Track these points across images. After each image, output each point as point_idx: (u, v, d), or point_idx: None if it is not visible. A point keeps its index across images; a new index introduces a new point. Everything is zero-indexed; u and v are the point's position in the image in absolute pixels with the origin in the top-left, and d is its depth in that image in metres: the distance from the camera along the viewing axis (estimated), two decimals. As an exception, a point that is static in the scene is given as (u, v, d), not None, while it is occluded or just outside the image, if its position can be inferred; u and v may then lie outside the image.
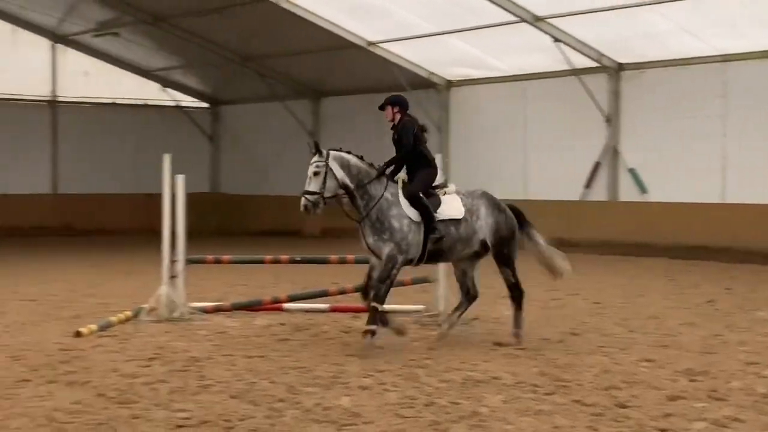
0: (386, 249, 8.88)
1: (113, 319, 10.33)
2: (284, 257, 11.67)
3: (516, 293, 9.44)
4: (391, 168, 9.33)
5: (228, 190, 28.44)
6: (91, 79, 26.70)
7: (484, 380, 7.51)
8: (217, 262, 11.75)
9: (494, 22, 19.30)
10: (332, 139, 25.70)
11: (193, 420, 6.28)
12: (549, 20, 18.98)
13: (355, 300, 11.80)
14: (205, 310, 11.09)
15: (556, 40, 19.36)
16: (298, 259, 11.74)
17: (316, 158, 8.98)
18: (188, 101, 28.38)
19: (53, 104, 26.33)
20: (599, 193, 20.63)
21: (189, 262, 11.04)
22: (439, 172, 9.53)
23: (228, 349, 8.92)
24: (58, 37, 25.82)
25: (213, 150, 28.93)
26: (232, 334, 9.84)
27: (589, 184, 20.73)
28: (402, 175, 9.33)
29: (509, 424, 6.20)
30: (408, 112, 9.46)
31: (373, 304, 8.80)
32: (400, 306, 11.03)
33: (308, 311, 11.26)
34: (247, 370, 7.90)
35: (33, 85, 25.84)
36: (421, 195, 9.05)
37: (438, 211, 9.07)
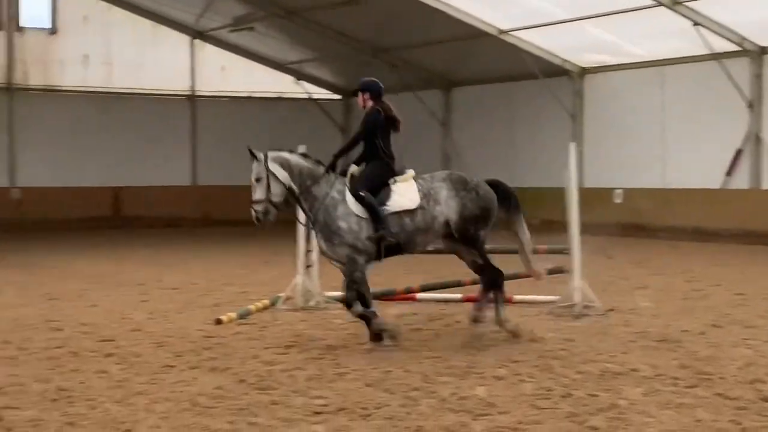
0: (343, 253, 8.51)
1: (251, 307, 10.58)
2: (417, 247, 11.69)
3: (491, 274, 8.87)
4: (353, 161, 8.85)
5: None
6: (228, 74, 27.38)
7: (622, 372, 7.36)
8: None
9: (631, 6, 18.85)
10: (464, 130, 25.91)
11: (331, 407, 6.37)
12: (687, 4, 18.41)
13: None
14: (340, 300, 11.21)
15: (696, 23, 18.76)
16: (431, 248, 11.74)
17: (254, 164, 8.55)
18: (321, 93, 28.77)
19: (192, 98, 27.11)
20: (741, 180, 19.90)
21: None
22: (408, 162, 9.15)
23: (363, 338, 9.00)
24: (196, 33, 26.57)
25: (345, 141, 29.22)
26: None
27: (730, 172, 20.02)
28: (354, 168, 8.86)
29: (650, 417, 6.05)
30: (382, 99, 8.94)
31: (359, 312, 8.49)
32: (534, 297, 10.93)
33: (441, 301, 11.26)
34: (382, 359, 7.97)
35: (173, 80, 26.67)
36: (363, 193, 8.55)
37: (389, 203, 8.59)
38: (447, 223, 8.75)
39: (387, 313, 10.48)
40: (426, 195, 8.71)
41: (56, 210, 24.37)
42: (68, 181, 24.68)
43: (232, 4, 23.77)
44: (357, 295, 8.53)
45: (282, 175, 8.57)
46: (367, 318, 8.54)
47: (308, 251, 11.00)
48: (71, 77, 25.24)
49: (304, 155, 8.84)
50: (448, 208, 8.73)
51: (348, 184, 8.67)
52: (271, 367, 7.67)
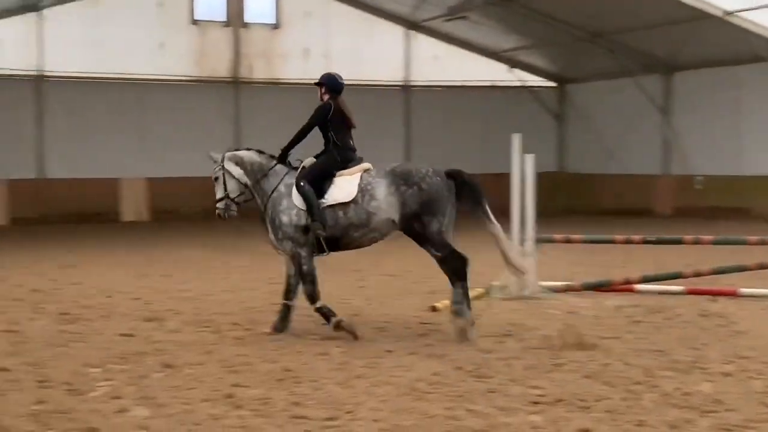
0: (287, 247, 8.67)
1: (467, 295, 10.61)
2: (636, 237, 11.41)
3: (453, 263, 8.62)
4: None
5: (575, 169, 28.23)
6: (441, 63, 27.57)
7: None
8: (567, 241, 11.72)
9: None
10: (685, 116, 24.86)
11: (548, 397, 6.32)
12: None
13: (712, 282, 11.30)
14: (554, 290, 11.09)
15: None
16: (652, 239, 11.42)
17: (214, 166, 9.07)
18: (535, 81, 28.47)
19: (406, 88, 27.50)
20: None
21: (538, 241, 11.10)
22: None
23: (579, 329, 8.85)
24: (411, 24, 26.92)
25: (559, 129, 28.83)
26: (583, 314, 9.77)
27: None
28: (307, 161, 8.90)
29: None
30: (339, 95, 9.18)
31: (314, 306, 8.57)
32: (763, 290, 10.41)
33: (660, 293, 10.91)
34: (600, 351, 7.81)
35: (388, 71, 27.14)
36: (302, 183, 8.65)
37: (326, 196, 8.62)
38: (393, 222, 8.66)
39: (605, 305, 10.27)
40: (362, 190, 8.67)
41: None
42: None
43: (447, -6, 23.95)
44: (314, 288, 8.68)
45: (237, 172, 9.01)
46: (323, 313, 8.59)
47: (523, 240, 10.94)
48: (292, 70, 26.18)
49: (259, 151, 9.12)
50: (387, 205, 8.62)
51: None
52: (488, 355, 7.69)
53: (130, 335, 8.68)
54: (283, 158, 9.07)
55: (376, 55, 26.92)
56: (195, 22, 25.19)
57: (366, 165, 9.05)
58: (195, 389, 6.62)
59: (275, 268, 14.00)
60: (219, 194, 9.05)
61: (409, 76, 27.50)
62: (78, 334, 8.78)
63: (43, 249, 17.00)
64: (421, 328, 8.91)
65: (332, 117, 9.06)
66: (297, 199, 8.71)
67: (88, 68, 23.74)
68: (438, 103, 27.51)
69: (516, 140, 10.94)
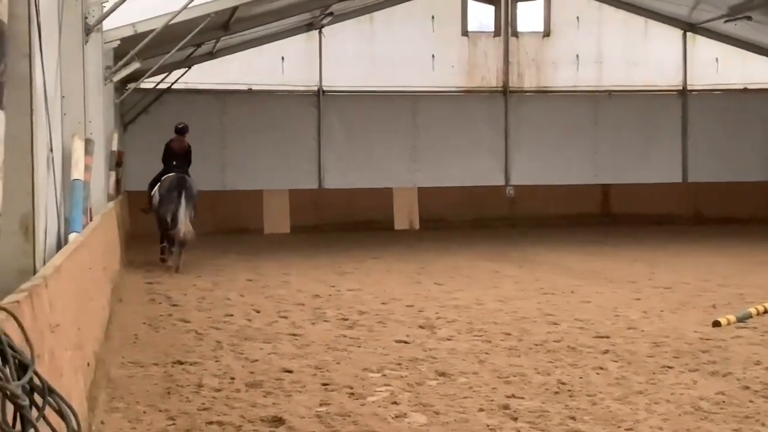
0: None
1: (752, 310, 10.05)
2: None
3: None
4: None
5: None
6: (721, 66, 26.29)
7: None
8: None
9: None
10: None
11: None
12: None
13: None
14: None
15: None
16: None
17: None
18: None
19: (683, 93, 26.45)
20: None
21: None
22: None
23: None
24: (688, 26, 25.88)
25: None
26: None
27: None
28: None
29: None
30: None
31: None
32: None
33: None
34: None
35: (664, 76, 26.23)
36: None
37: None
38: None
39: None
40: None
41: (546, 206, 25.18)
42: (558, 179, 25.37)
43: (727, -6, 22.81)
44: None
45: None
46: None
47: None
48: (563, 77, 25.91)
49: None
50: None
51: None
52: (778, 375, 7.22)
53: (405, 342, 8.89)
54: None
55: (650, 59, 26.08)
56: (466, 33, 25.53)
57: None
58: (470, 398, 6.67)
59: (545, 278, 13.93)
60: None
61: (687, 80, 26.42)
62: (356, 339, 9.10)
63: (321, 256, 17.80)
64: (703, 344, 8.51)
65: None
66: None
67: (363, 82, 24.67)
68: (718, 108, 26.23)
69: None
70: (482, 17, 25.87)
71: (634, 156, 25.90)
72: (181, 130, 16.63)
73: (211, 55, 22.34)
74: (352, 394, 6.86)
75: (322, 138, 24.35)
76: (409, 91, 25.00)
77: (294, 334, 9.36)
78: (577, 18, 25.73)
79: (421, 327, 9.73)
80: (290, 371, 7.60)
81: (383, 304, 11.49)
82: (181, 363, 7.95)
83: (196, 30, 14.89)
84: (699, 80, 26.31)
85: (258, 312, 10.90)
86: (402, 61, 24.78)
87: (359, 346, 8.70)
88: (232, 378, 7.36)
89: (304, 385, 7.15)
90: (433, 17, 25.05)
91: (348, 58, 24.64)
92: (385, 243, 20.64)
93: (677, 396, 6.60)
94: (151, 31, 12.92)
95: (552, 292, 12.35)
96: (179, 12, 12.47)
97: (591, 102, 25.92)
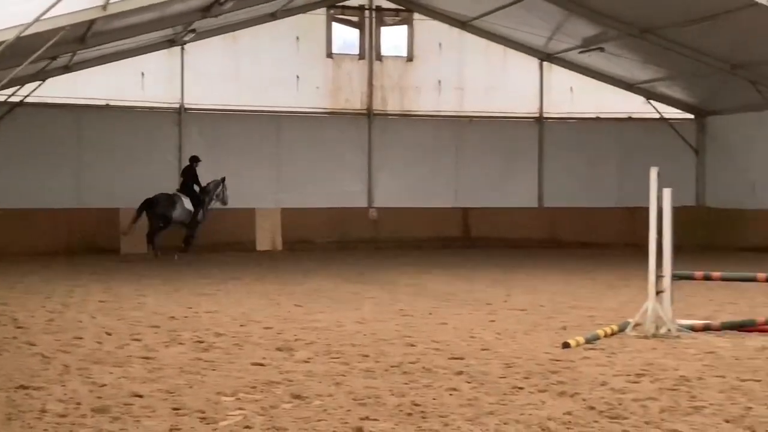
0: None
1: (600, 332, 10.37)
2: (780, 276, 10.92)
3: None
4: None
5: (715, 203, 27.33)
6: (576, 95, 27.20)
7: None
8: (707, 278, 11.34)
9: None
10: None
11: (686, 442, 6.06)
12: None
13: None
14: (693, 328, 10.71)
15: None
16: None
17: None
18: (672, 113, 27.74)
19: (540, 120, 27.22)
20: None
21: (676, 277, 10.75)
22: None
23: (719, 370, 8.52)
24: (545, 56, 26.68)
25: (698, 162, 28.00)
26: (723, 354, 9.39)
27: None
28: None
29: None
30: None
31: None
32: None
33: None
34: (742, 394, 7.48)
35: (522, 103, 26.94)
36: None
37: None
38: None
39: (746, 345, 9.86)
40: None
41: (408, 229, 25.45)
42: (420, 202, 25.70)
43: (583, 26, 23.62)
44: None
45: None
46: None
47: (659, 276, 10.61)
48: (426, 102, 26.31)
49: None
50: None
51: None
52: (622, 395, 7.45)
53: (261, 364, 8.79)
54: None
55: (509, 86, 26.77)
56: (331, 55, 25.63)
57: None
58: (324, 421, 6.63)
59: (405, 300, 14.06)
60: None
61: (544, 107, 27.21)
62: (211, 362, 8.94)
63: (180, 277, 17.48)
64: (553, 365, 8.72)
65: None
66: None
67: (227, 100, 24.44)
68: (573, 136, 27.12)
69: (653, 173, 10.65)
70: (347, 39, 26.06)
71: (494, 181, 26.48)
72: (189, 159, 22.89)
73: (67, 69, 21.70)
74: (204, 418, 6.72)
75: (183, 157, 23.95)
76: (273, 111, 24.92)
77: (146, 358, 9.13)
78: (440, 44, 26.20)
79: (278, 349, 9.65)
80: (140, 396, 7.40)
81: (241, 326, 11.35)
82: (25, 388, 7.63)
83: (50, 43, 14.43)
84: (555, 108, 27.17)
85: (109, 334, 10.60)
86: (266, 80, 24.71)
87: (214, 370, 8.55)
88: (78, 403, 7.11)
89: (154, 409, 6.96)
90: (297, 38, 25.07)
91: (211, 75, 24.40)
92: (247, 264, 20.45)
93: (526, 416, 6.72)
94: (2, 43, 12.46)
95: (411, 314, 12.46)
96: (31, 24, 12.08)
97: (453, 127, 26.40)
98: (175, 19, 20.18)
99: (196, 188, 22.62)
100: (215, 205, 23.16)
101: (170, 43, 23.43)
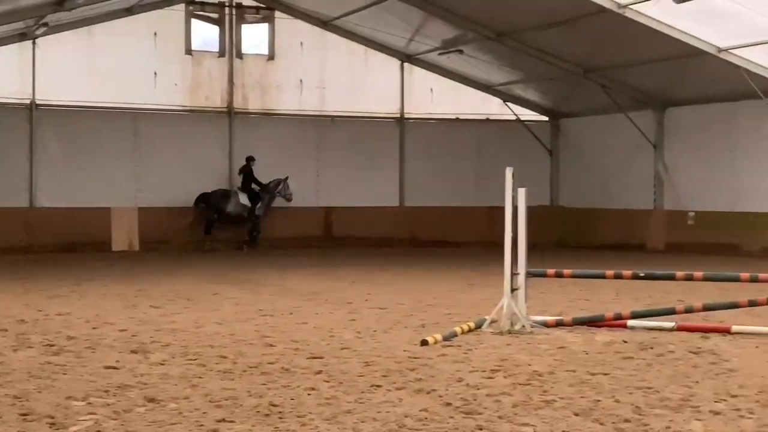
0: None
1: (457, 329, 10.55)
2: (627, 272, 11.36)
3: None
4: None
5: (568, 203, 28.25)
6: (436, 96, 27.61)
7: None
8: (558, 275, 11.68)
9: None
10: (677, 151, 24.94)
11: (537, 435, 6.23)
12: None
13: (704, 319, 11.26)
14: (546, 324, 11.02)
15: None
16: (642, 274, 11.37)
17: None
18: (528, 115, 28.52)
19: (401, 121, 27.51)
20: None
21: (530, 275, 11.04)
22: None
23: (570, 364, 8.78)
24: (406, 57, 26.98)
25: (552, 163, 28.86)
26: (574, 349, 9.69)
27: None
28: None
29: None
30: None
31: None
32: (756, 328, 10.34)
33: (652, 329, 10.83)
34: (591, 388, 7.73)
35: (383, 103, 27.18)
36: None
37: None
38: None
39: (595, 340, 10.21)
40: None
41: (270, 228, 25.31)
42: (282, 201, 25.59)
43: (441, 28, 24.00)
44: None
45: None
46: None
47: (514, 274, 10.88)
48: (288, 101, 26.21)
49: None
50: None
51: None
52: (477, 391, 7.59)
53: (115, 368, 8.57)
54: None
55: (371, 86, 26.97)
56: (190, 52, 25.23)
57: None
58: (179, 424, 6.51)
59: (266, 300, 13.96)
60: None
61: (405, 108, 27.51)
62: (62, 365, 8.66)
63: (32, 278, 16.89)
64: (411, 363, 8.81)
65: None
66: None
67: (82, 96, 23.74)
68: (433, 136, 27.53)
69: (509, 174, 10.90)
70: (207, 36, 25.71)
71: (356, 180, 26.61)
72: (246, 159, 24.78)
73: None
74: (53, 424, 6.50)
75: (35, 154, 23.13)
76: (130, 108, 24.36)
77: (-7, 362, 8.77)
78: (301, 43, 26.16)
79: (133, 352, 9.42)
80: (-14, 402, 7.10)
81: (94, 328, 11.03)
82: None
83: None
84: (416, 109, 27.53)
85: (-46, 339, 10.14)
86: (123, 76, 24.13)
87: (65, 374, 8.28)
88: None
89: (0, 416, 6.69)
90: (155, 34, 24.58)
91: (65, 71, 23.67)
92: (102, 265, 19.91)
93: (383, 414, 6.77)
94: None
95: (271, 314, 12.38)
96: None
97: (315, 126, 26.40)
98: (27, 12, 19.46)
99: (255, 186, 24.58)
100: (280, 203, 24.98)
101: (21, 36, 22.59)
